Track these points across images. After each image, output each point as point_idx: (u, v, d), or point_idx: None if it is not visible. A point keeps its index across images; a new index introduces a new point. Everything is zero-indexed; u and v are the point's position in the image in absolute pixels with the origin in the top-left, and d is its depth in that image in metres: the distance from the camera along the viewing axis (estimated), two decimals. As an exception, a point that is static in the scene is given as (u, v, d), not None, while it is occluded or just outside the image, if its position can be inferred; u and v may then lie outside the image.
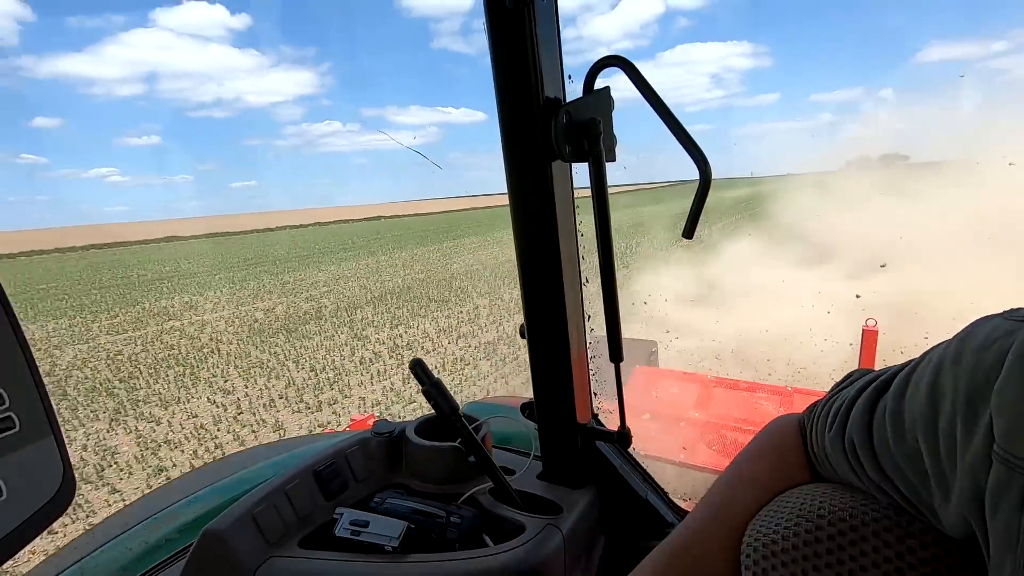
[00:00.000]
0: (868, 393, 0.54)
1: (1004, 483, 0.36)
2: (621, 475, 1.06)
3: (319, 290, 17.09)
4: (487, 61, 0.87)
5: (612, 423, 1.09)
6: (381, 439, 1.12)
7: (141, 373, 9.61)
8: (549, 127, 0.83)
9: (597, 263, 0.92)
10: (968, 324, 0.45)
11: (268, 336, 11.41)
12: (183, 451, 6.50)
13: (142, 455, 6.47)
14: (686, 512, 1.08)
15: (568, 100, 0.87)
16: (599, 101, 0.86)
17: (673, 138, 0.80)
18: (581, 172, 0.97)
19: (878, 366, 3.64)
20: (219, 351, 10.55)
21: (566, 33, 0.90)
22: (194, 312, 14.89)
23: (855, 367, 0.72)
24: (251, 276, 22.04)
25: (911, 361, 0.53)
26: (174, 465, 6.14)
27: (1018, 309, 0.42)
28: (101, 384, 9.13)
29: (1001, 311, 0.44)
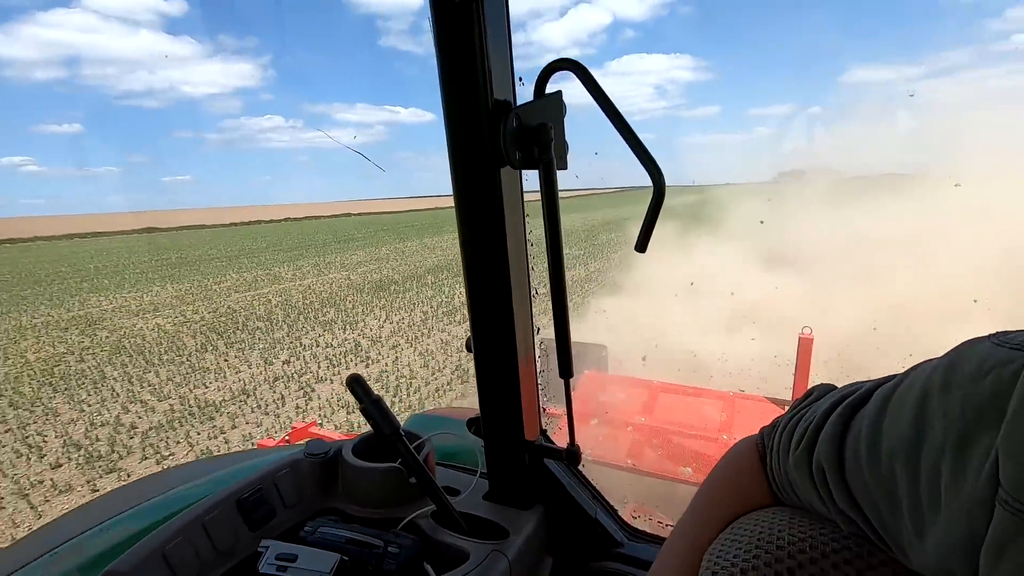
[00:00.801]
0: (841, 410, 0.51)
1: (1011, 533, 0.33)
2: (570, 494, 1.03)
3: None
4: (436, 61, 0.82)
5: (560, 437, 1.06)
6: (314, 460, 1.04)
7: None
8: (498, 131, 0.78)
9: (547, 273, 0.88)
10: (955, 346, 0.42)
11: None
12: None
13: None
14: (636, 530, 1.06)
15: (518, 104, 0.83)
16: (550, 106, 0.82)
17: (626, 146, 0.77)
18: (531, 176, 0.93)
19: (813, 372, 3.78)
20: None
21: (515, 39, 0.86)
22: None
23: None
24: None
25: (888, 378, 0.50)
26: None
27: (1008, 333, 0.40)
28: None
29: (988, 334, 0.41)
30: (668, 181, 0.76)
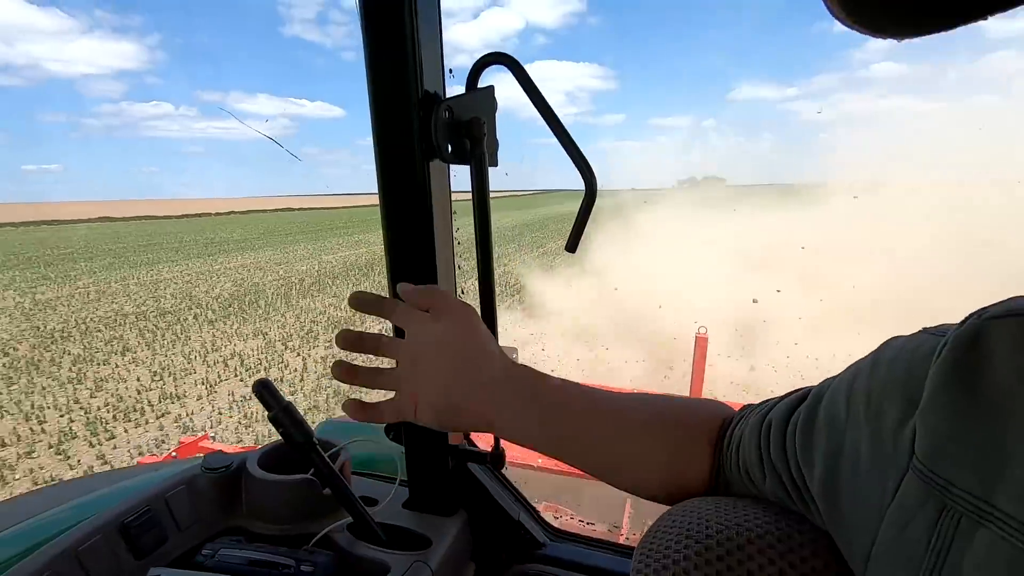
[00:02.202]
0: (799, 395, 0.55)
1: (920, 499, 0.36)
2: (493, 497, 1.01)
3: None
4: (347, 55, 0.78)
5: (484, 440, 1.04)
6: (214, 475, 0.93)
7: None
8: (429, 123, 0.75)
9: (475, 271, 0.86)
10: (887, 339, 0.47)
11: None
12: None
13: None
14: (557, 530, 1.06)
15: (449, 96, 0.80)
16: (483, 100, 0.80)
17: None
18: (458, 175, 0.91)
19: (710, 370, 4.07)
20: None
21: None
22: None
23: None
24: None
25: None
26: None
27: (936, 326, 0.44)
28: None
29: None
30: (577, 185, 0.76)
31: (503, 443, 0.98)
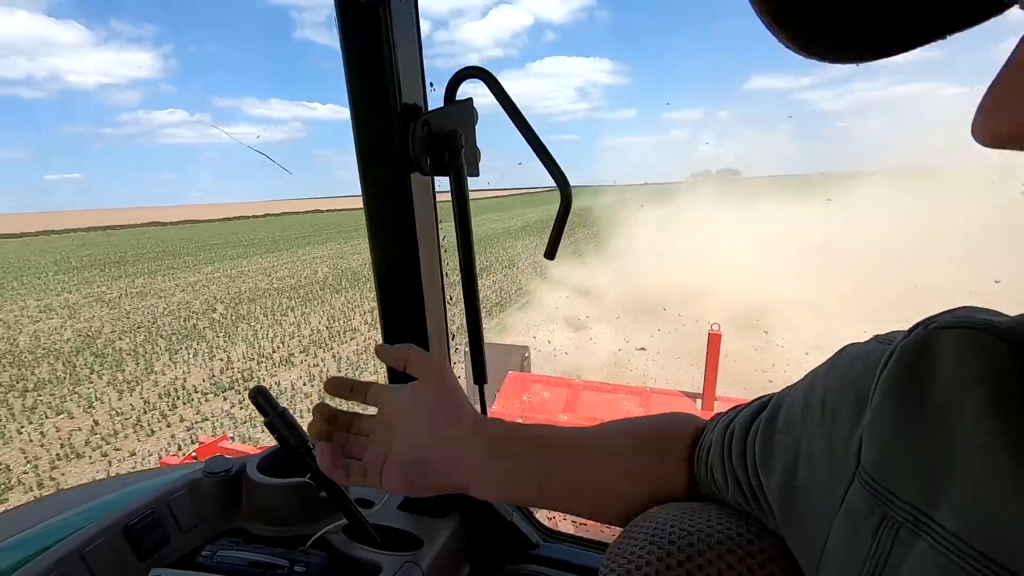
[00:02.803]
0: (763, 401, 0.55)
1: (863, 508, 0.37)
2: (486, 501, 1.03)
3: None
4: None
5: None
6: (215, 479, 0.97)
7: None
8: (407, 137, 0.77)
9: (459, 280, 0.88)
10: (843, 346, 0.48)
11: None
12: None
13: None
14: (550, 531, 1.08)
15: (430, 109, 0.82)
16: (461, 113, 0.81)
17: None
18: (445, 180, 0.93)
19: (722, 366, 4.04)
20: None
21: (439, 36, 0.86)
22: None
23: None
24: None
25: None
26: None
27: (888, 333, 0.44)
28: None
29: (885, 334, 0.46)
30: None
31: None
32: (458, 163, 0.78)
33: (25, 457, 6.67)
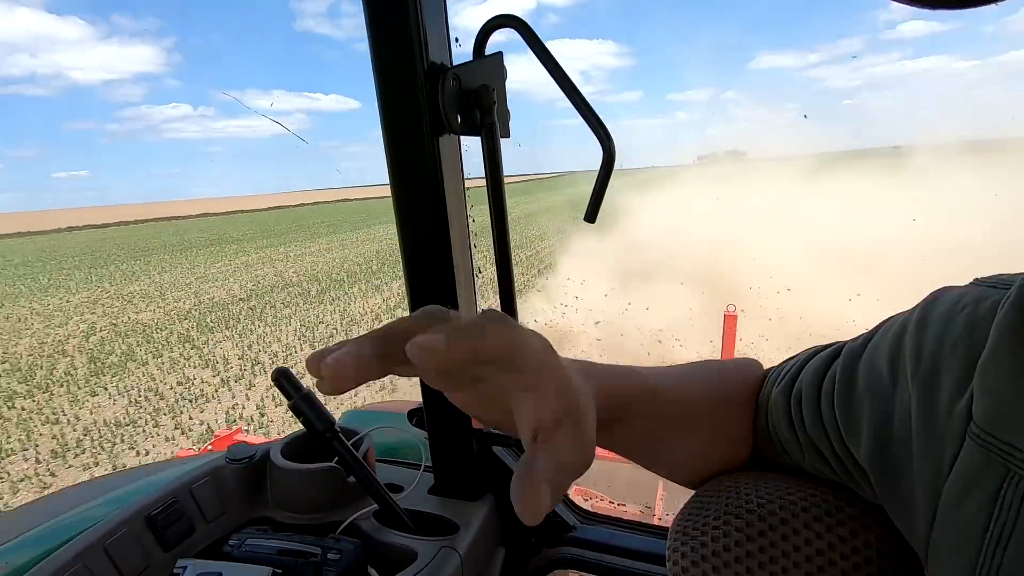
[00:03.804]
0: (824, 355, 0.51)
1: (979, 469, 0.32)
2: None
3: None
4: (359, 46, 0.74)
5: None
6: (238, 466, 0.93)
7: None
8: (436, 94, 0.72)
9: (492, 255, 0.83)
10: (933, 291, 0.43)
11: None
12: None
13: None
14: (587, 512, 1.04)
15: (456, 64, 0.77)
16: (491, 67, 0.76)
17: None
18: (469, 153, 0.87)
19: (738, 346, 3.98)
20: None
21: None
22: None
23: None
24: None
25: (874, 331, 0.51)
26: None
27: (989, 276, 0.40)
28: None
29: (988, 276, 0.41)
30: (595, 166, 0.72)
31: None
32: (490, 121, 0.73)
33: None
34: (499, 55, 0.76)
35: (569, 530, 1.00)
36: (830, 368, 0.48)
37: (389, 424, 1.10)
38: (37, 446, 6.59)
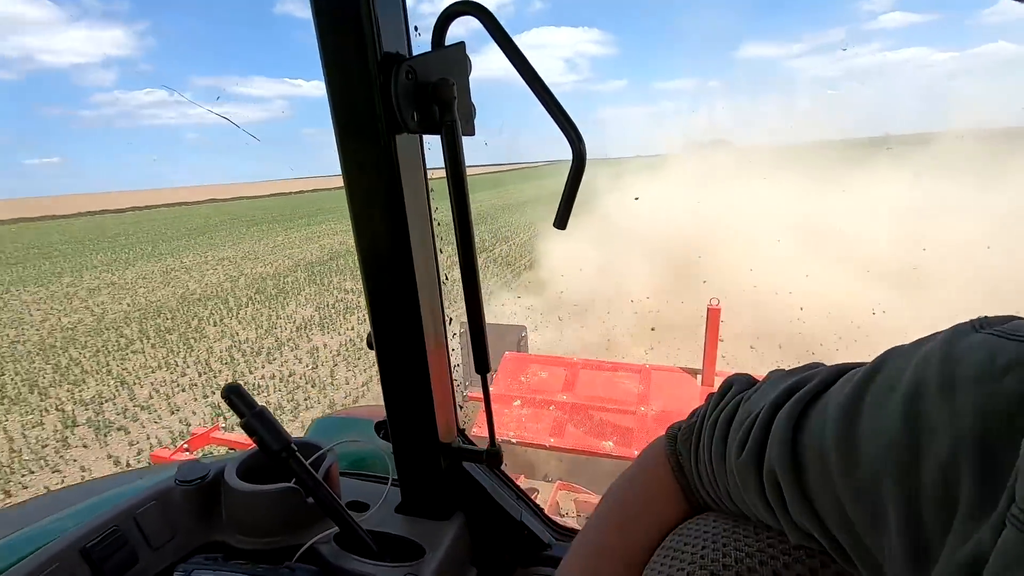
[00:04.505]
0: (792, 406, 0.44)
1: (1016, 555, 0.27)
2: (492, 498, 0.93)
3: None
4: None
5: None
6: (188, 488, 0.87)
7: None
8: (389, 88, 0.65)
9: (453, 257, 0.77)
10: (940, 336, 0.36)
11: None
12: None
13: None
14: (562, 529, 0.99)
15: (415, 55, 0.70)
16: (451, 59, 0.70)
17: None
18: (435, 149, 0.81)
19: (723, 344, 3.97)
20: None
21: (413, 10, 0.73)
22: None
23: None
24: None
25: (845, 367, 0.44)
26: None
27: (997, 321, 0.34)
28: None
29: (970, 323, 0.36)
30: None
31: (499, 440, 0.91)
32: (450, 118, 0.67)
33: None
34: (461, 45, 0.70)
35: (544, 548, 0.96)
36: (800, 437, 0.42)
37: (355, 438, 1.04)
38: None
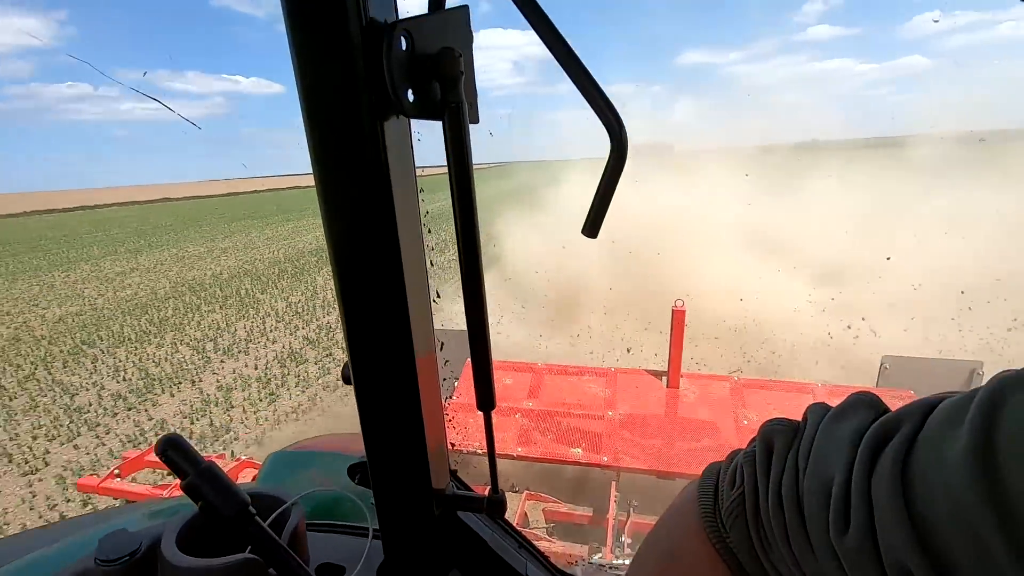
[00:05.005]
0: (889, 466, 0.35)
1: None
2: (493, 550, 0.80)
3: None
4: (282, 26, 0.52)
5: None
6: (113, 569, 0.69)
7: None
8: (379, 60, 0.51)
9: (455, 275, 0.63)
10: (1000, 386, 0.31)
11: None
12: None
13: None
14: None
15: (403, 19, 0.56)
16: (454, 25, 0.56)
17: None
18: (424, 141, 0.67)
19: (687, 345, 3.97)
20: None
21: None
22: None
23: None
24: None
25: (926, 401, 0.37)
26: None
27: None
28: None
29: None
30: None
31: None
32: (455, 99, 0.53)
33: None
34: (465, 9, 0.56)
35: None
36: (914, 504, 0.33)
37: (324, 483, 0.88)
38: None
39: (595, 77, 0.51)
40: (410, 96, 0.53)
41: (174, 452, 0.64)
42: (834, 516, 0.37)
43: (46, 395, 7.56)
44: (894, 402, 0.39)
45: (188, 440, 0.66)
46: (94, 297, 13.89)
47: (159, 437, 0.65)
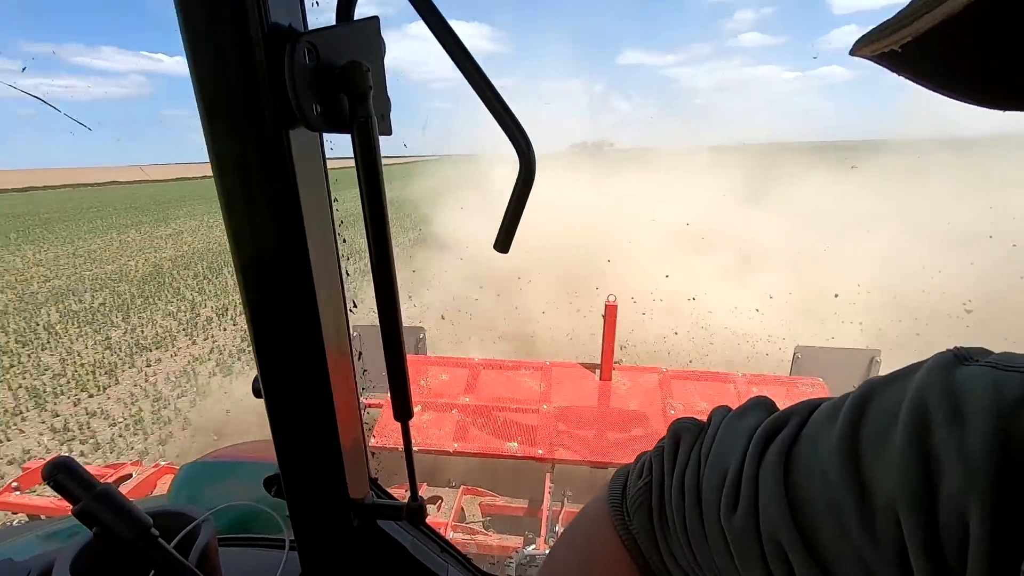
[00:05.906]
0: (774, 455, 0.40)
1: None
2: (414, 556, 0.80)
3: None
4: None
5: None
6: (-4, 603, 0.64)
7: None
8: (281, 71, 0.49)
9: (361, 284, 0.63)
10: (924, 366, 0.34)
11: None
12: None
13: None
14: None
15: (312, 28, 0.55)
16: (363, 35, 0.55)
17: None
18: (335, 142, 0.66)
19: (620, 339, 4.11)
20: None
21: None
22: None
23: None
24: None
25: (810, 403, 0.42)
26: None
27: (985, 352, 0.34)
28: None
29: (952, 353, 0.34)
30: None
31: (421, 491, 0.78)
32: (364, 113, 0.52)
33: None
34: (374, 20, 0.56)
35: None
36: (791, 488, 0.37)
37: (236, 497, 0.85)
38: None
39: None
40: (317, 109, 0.51)
41: (65, 476, 0.60)
42: (726, 500, 0.41)
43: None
44: (805, 389, 0.44)
45: (79, 462, 0.62)
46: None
47: (46, 461, 0.60)
